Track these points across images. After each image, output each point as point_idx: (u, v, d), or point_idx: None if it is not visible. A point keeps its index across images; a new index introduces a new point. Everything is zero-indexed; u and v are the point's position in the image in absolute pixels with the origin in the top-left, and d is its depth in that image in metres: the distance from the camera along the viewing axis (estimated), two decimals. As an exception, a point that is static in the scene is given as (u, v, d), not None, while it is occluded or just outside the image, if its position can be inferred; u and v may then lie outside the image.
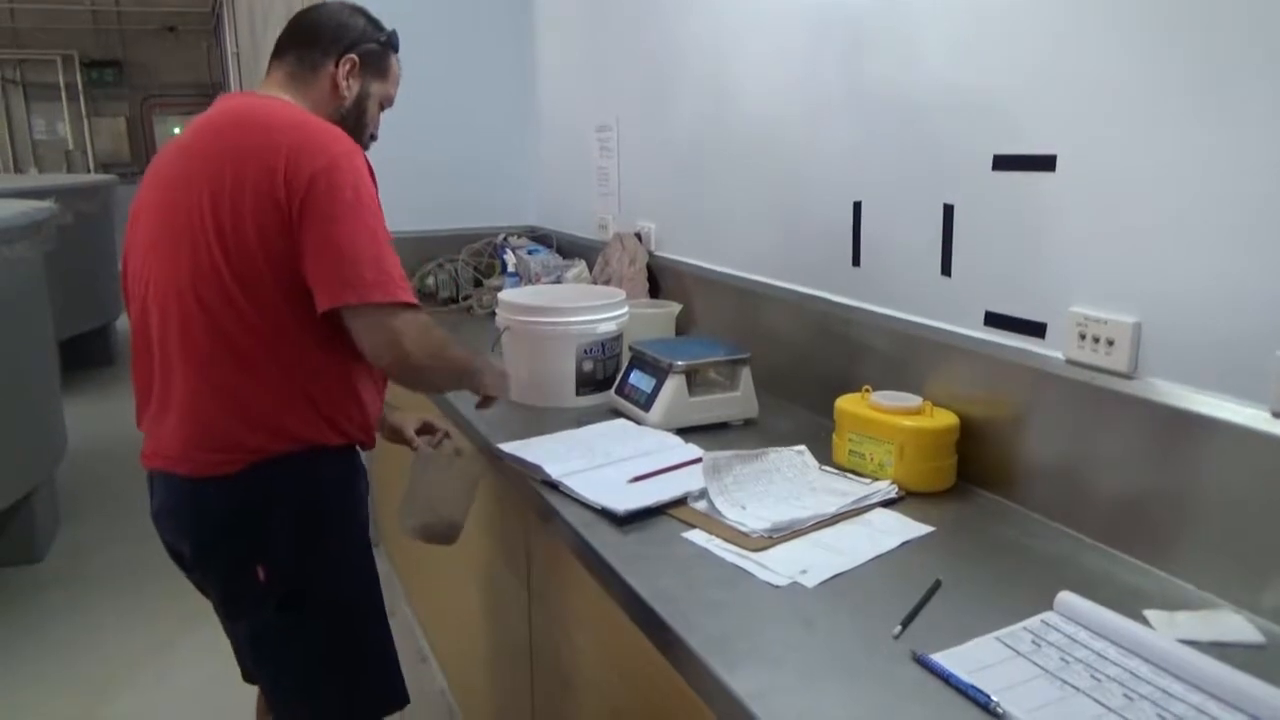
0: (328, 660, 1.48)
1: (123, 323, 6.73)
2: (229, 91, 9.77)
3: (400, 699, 1.59)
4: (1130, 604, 1.02)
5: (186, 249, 1.31)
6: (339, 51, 1.50)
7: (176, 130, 12.06)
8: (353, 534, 1.51)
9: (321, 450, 1.40)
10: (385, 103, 1.60)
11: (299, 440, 1.37)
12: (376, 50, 1.55)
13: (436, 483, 1.60)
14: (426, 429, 1.71)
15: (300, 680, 1.48)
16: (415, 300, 1.34)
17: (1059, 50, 1.23)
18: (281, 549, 1.39)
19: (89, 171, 11.34)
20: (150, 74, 12.04)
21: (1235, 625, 0.99)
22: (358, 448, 1.51)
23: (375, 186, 1.37)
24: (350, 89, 1.52)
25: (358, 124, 1.54)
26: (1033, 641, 0.95)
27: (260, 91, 1.50)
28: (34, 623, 2.98)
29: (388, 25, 1.61)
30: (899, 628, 0.98)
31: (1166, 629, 0.97)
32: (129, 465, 4.42)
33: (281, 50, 1.52)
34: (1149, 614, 1.01)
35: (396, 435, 1.72)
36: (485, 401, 1.59)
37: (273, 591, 1.40)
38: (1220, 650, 0.93)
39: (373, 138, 1.61)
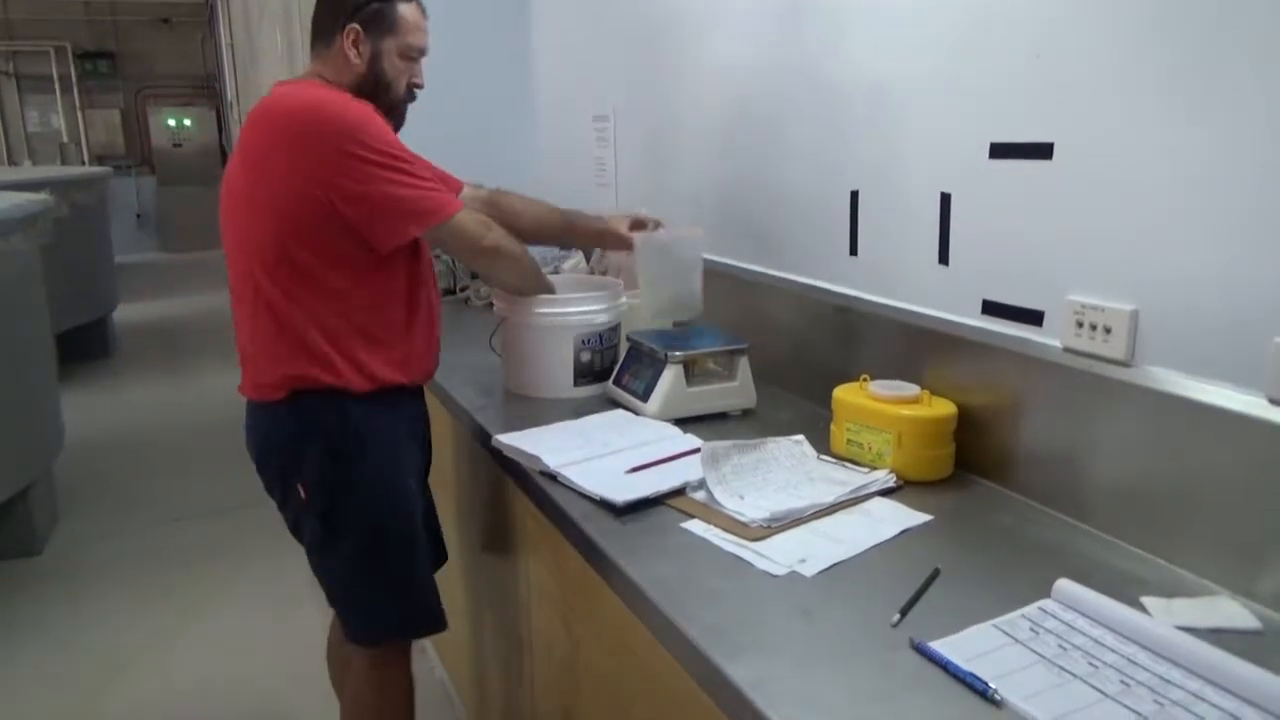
0: (359, 576, 1.65)
1: (119, 314, 6.76)
2: (225, 81, 9.75)
3: (434, 623, 1.73)
4: (1128, 591, 1.03)
5: (243, 224, 1.53)
6: (343, 23, 1.58)
7: (171, 122, 12.05)
8: (386, 465, 1.62)
9: (348, 391, 1.56)
10: (408, 52, 1.64)
11: (328, 381, 1.54)
12: (377, 8, 1.59)
13: (668, 261, 1.76)
14: (638, 224, 1.91)
15: (341, 590, 1.68)
16: (461, 203, 1.58)
17: (1056, 38, 1.23)
18: (314, 472, 1.57)
19: (83, 163, 11.30)
20: (144, 65, 11.98)
21: (1232, 611, 0.99)
22: (398, 389, 1.63)
23: (389, 125, 1.54)
24: (360, 55, 1.60)
25: (376, 85, 1.61)
26: (1030, 629, 0.95)
27: (299, 77, 1.65)
28: (32, 616, 2.98)
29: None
30: (897, 616, 0.99)
31: (1164, 616, 0.98)
32: (127, 458, 4.47)
33: (312, 35, 1.64)
34: (1146, 601, 1.01)
35: (614, 239, 1.92)
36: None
37: (313, 507, 1.59)
38: (1217, 637, 0.93)
39: (416, 87, 1.68)
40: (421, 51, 1.67)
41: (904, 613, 0.99)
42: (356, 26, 1.58)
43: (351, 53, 1.59)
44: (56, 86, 11.56)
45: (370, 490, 1.61)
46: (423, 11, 1.66)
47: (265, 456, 1.63)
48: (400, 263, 1.59)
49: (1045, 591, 1.02)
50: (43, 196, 3.87)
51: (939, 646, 0.92)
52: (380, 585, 1.66)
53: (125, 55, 11.87)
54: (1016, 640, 0.93)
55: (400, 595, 1.69)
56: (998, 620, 0.97)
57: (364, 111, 1.50)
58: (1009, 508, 1.29)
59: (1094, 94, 1.18)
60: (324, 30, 1.61)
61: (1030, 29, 1.26)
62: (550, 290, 1.80)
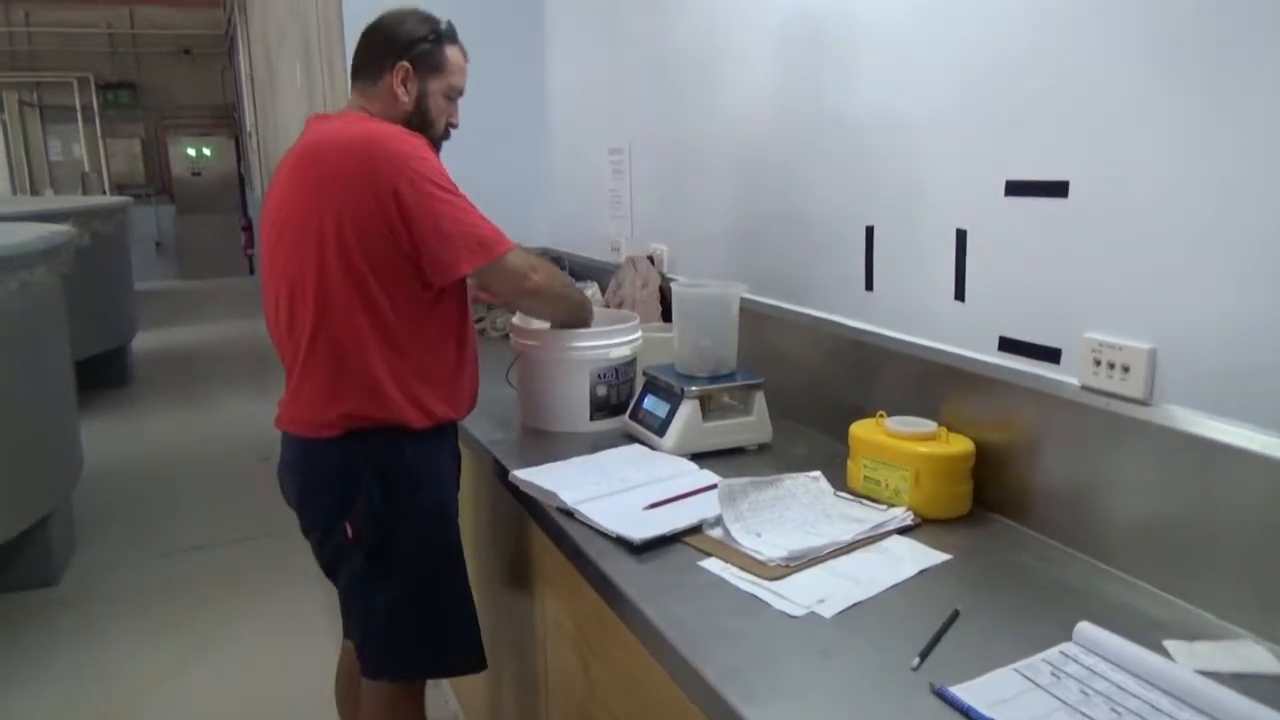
0: (405, 612, 1.62)
1: (137, 342, 6.82)
2: (244, 111, 9.86)
3: (476, 663, 1.71)
4: (1149, 634, 1.02)
5: (296, 259, 1.52)
6: (393, 61, 1.62)
7: (190, 151, 12.21)
8: (434, 504, 1.63)
9: (405, 427, 1.56)
10: (451, 93, 1.69)
11: (386, 418, 1.54)
12: (427, 50, 1.63)
13: (704, 314, 1.74)
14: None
15: (382, 627, 1.64)
16: (513, 242, 1.58)
17: (1070, 76, 1.24)
18: (366, 510, 1.56)
19: (104, 192, 11.46)
20: (165, 96, 12.17)
21: (1256, 655, 0.98)
22: (449, 424, 1.66)
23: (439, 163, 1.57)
24: (409, 93, 1.63)
25: (423, 122, 1.65)
26: (1052, 673, 0.95)
27: (341, 110, 1.68)
28: (49, 646, 2.99)
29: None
30: (917, 659, 0.98)
31: (1186, 660, 0.97)
32: (144, 486, 4.49)
33: (354, 69, 1.67)
34: (1168, 644, 1.00)
35: None
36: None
37: (359, 544, 1.58)
38: (1241, 682, 0.92)
39: (452, 126, 1.73)
40: (461, 92, 1.71)
41: (924, 656, 0.99)
42: (407, 65, 1.61)
43: (400, 90, 1.62)
44: (79, 117, 11.74)
45: (422, 526, 1.61)
46: (465, 55, 1.71)
47: (311, 493, 1.62)
48: (452, 299, 1.60)
49: (1066, 634, 1.01)
50: (65, 228, 3.92)
51: (960, 691, 0.91)
52: (427, 622, 1.64)
53: (146, 86, 12.06)
54: (1038, 685, 0.93)
55: (446, 632, 1.68)
56: (1019, 664, 0.96)
57: (421, 143, 1.53)
58: (1028, 547, 1.28)
59: (1110, 132, 1.19)
60: (370, 66, 1.63)
61: (1045, 67, 1.27)
62: (588, 322, 1.82)
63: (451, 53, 1.67)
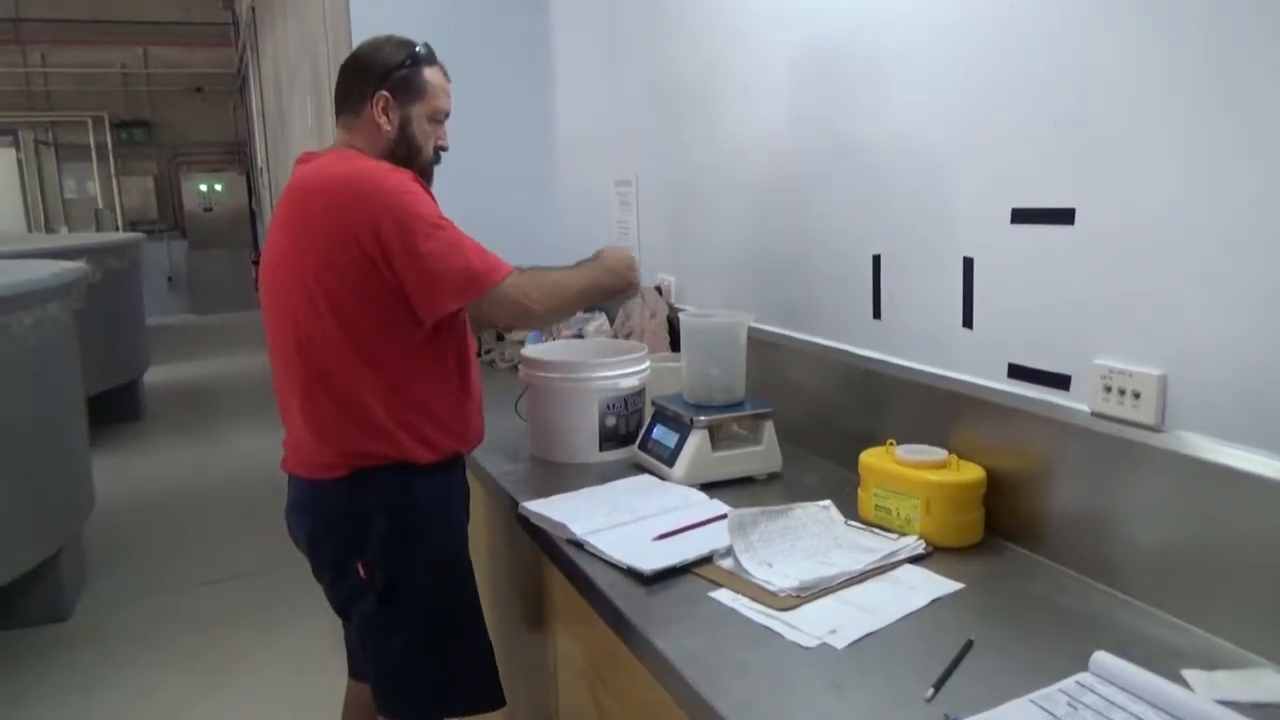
0: (423, 652, 1.60)
1: (150, 377, 6.85)
2: (255, 147, 9.97)
3: (494, 700, 1.68)
4: (1167, 663, 1.00)
5: (288, 304, 1.53)
6: (371, 90, 1.59)
7: (203, 188, 12.34)
8: (446, 539, 1.63)
9: (412, 464, 1.55)
10: (435, 115, 1.65)
11: (392, 455, 1.53)
12: (405, 75, 1.60)
13: (712, 344, 1.72)
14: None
15: (398, 668, 1.60)
16: (510, 266, 1.54)
17: (1075, 103, 1.24)
18: (378, 549, 1.54)
19: (118, 229, 11.56)
20: (178, 133, 12.32)
21: (1276, 684, 0.97)
22: (456, 458, 1.64)
23: (429, 193, 1.54)
24: (391, 122, 1.61)
25: (409, 150, 1.63)
26: (1069, 704, 0.93)
27: (329, 147, 1.65)
28: (60, 682, 2.98)
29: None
30: (931, 690, 0.97)
31: (1205, 690, 0.95)
32: (155, 520, 4.49)
33: (336, 104, 1.65)
34: (1187, 674, 0.99)
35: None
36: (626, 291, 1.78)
37: (372, 585, 1.55)
38: (1262, 712, 0.91)
39: (442, 149, 1.69)
40: (446, 114, 1.68)
41: (938, 687, 0.98)
42: (386, 94, 1.59)
43: (382, 119, 1.60)
44: (93, 155, 11.89)
45: (436, 563, 1.60)
46: (445, 75, 1.68)
47: (321, 536, 1.60)
48: (451, 330, 1.59)
49: (1082, 664, 1.00)
50: (78, 265, 3.95)
51: (975, 723, 0.90)
52: (444, 664, 1.62)
53: (160, 124, 12.21)
54: (1055, 716, 0.91)
55: (464, 672, 1.65)
56: (1034, 695, 0.95)
57: (404, 178, 1.51)
58: (1041, 575, 1.27)
59: (1115, 158, 1.19)
60: (351, 99, 1.61)
61: (1051, 96, 1.28)
62: (619, 289, 1.75)
63: (431, 75, 1.64)
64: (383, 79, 1.59)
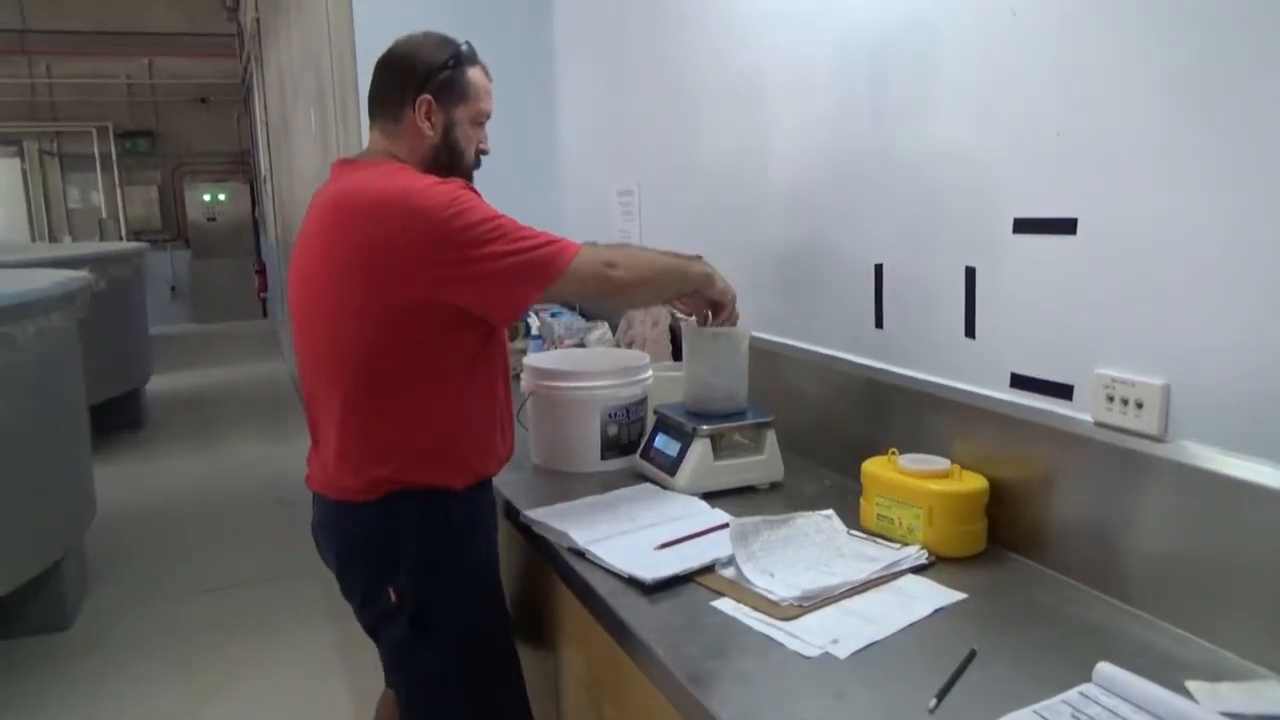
0: (453, 679, 1.55)
1: (153, 386, 6.86)
2: (259, 157, 9.99)
3: None
4: (1171, 674, 1.00)
5: (327, 323, 1.47)
6: (413, 95, 1.51)
7: (206, 198, 12.38)
8: (478, 564, 1.57)
9: (446, 487, 1.49)
10: (478, 118, 1.59)
11: (428, 481, 1.48)
12: (449, 77, 1.52)
13: (715, 355, 1.71)
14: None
15: (429, 695, 1.57)
16: (578, 243, 1.46)
17: (1077, 113, 1.24)
18: (409, 573, 1.49)
19: (121, 238, 11.60)
20: (182, 143, 12.37)
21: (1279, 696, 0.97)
22: (487, 480, 1.60)
23: (477, 194, 1.45)
24: (434, 127, 1.53)
25: (452, 155, 1.56)
26: (1072, 715, 0.93)
27: (364, 157, 1.56)
28: (63, 691, 2.97)
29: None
30: (934, 701, 0.97)
31: (1210, 701, 0.95)
32: (158, 529, 4.49)
33: (371, 107, 1.56)
34: (1191, 685, 0.98)
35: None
36: (710, 309, 1.67)
37: (404, 610, 1.50)
38: (1266, 723, 0.90)
39: (483, 153, 1.62)
40: (488, 116, 1.61)
41: (940, 697, 0.97)
42: (429, 97, 1.51)
43: (425, 125, 1.52)
44: (98, 165, 11.95)
45: (468, 587, 1.55)
46: (487, 75, 1.60)
47: (351, 558, 1.54)
48: (486, 352, 1.52)
49: (1085, 675, 0.99)
50: (82, 274, 3.96)
51: (978, 733, 0.90)
52: (475, 692, 1.57)
53: (164, 134, 12.27)
54: (1058, 727, 0.91)
55: (496, 701, 1.60)
56: (1038, 705, 0.95)
57: (455, 189, 1.41)
58: (1045, 585, 1.26)
59: (1118, 168, 1.19)
60: (390, 104, 1.53)
61: (1053, 106, 1.28)
62: (699, 281, 1.64)
63: (474, 75, 1.56)
64: (425, 81, 1.51)
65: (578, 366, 1.88)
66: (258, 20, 8.22)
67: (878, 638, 1.11)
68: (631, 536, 1.43)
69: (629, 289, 1.54)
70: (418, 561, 1.48)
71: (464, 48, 1.56)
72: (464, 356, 1.48)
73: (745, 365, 1.72)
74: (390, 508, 1.47)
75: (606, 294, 1.53)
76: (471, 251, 1.37)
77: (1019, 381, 1.38)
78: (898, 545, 1.37)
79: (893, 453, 1.45)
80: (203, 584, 3.77)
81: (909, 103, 1.56)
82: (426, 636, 1.51)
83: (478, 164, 1.63)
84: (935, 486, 1.36)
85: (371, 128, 1.57)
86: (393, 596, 1.50)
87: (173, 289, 12.48)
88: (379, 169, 1.49)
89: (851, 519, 1.46)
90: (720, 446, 1.67)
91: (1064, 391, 1.30)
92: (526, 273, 1.40)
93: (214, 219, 12.55)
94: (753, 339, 1.76)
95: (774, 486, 1.69)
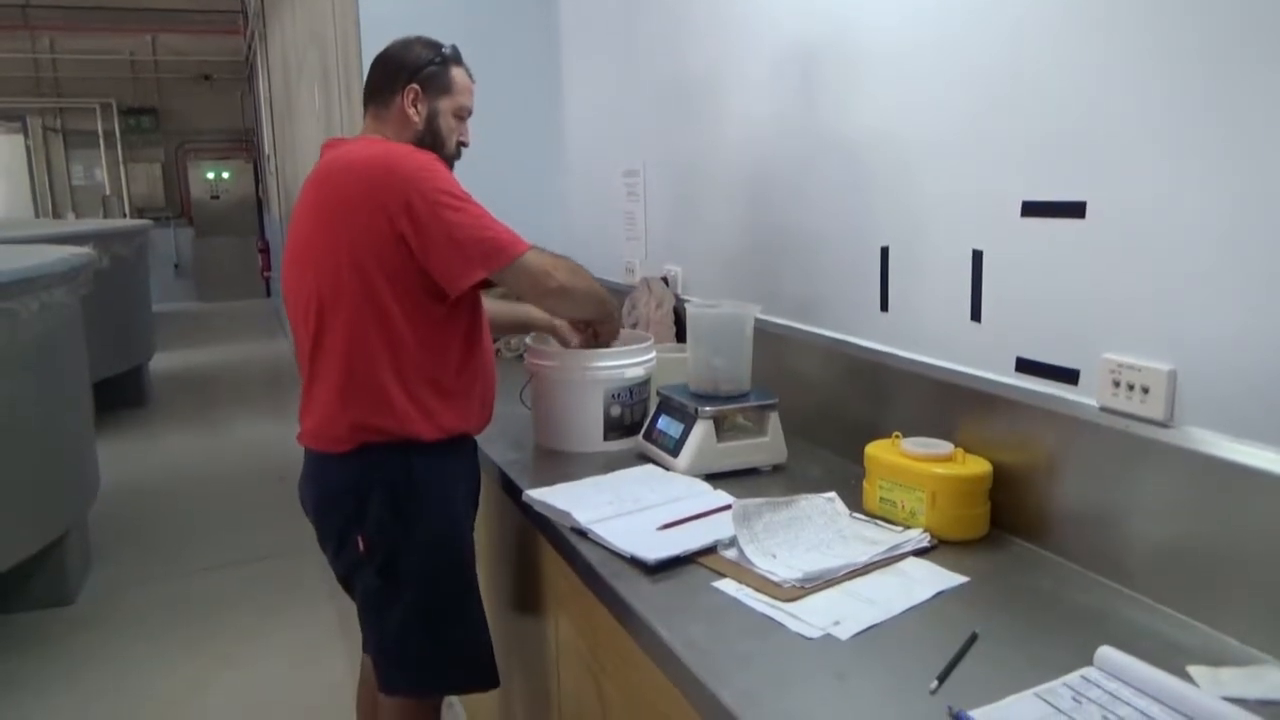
0: (416, 630, 1.64)
1: (156, 363, 6.87)
2: (263, 135, 9.98)
3: (489, 679, 1.73)
4: (1172, 659, 1.00)
5: (313, 278, 1.57)
6: (402, 84, 1.68)
7: (210, 175, 12.35)
8: (446, 517, 1.65)
9: (416, 440, 1.58)
10: (459, 113, 1.74)
11: (397, 430, 1.57)
12: (435, 71, 1.69)
13: (718, 335, 1.73)
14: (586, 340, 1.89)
15: (394, 643, 1.66)
16: (530, 243, 1.60)
17: (1087, 96, 1.23)
18: (377, 523, 1.59)
19: (125, 216, 11.58)
20: (185, 121, 12.32)
21: (1282, 682, 0.96)
22: (461, 439, 1.68)
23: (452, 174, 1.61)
24: (419, 114, 1.69)
25: (435, 141, 1.70)
26: (1073, 698, 0.93)
27: (357, 136, 1.73)
28: (65, 665, 2.99)
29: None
30: (935, 682, 0.97)
31: (1211, 686, 0.95)
32: (160, 506, 4.51)
33: (366, 96, 1.73)
34: (1192, 670, 0.98)
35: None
36: (593, 339, 1.85)
37: (372, 559, 1.61)
38: (1267, 709, 0.90)
39: (463, 145, 1.77)
40: (469, 112, 1.76)
41: (942, 679, 0.97)
42: (417, 87, 1.67)
43: (411, 111, 1.68)
44: (101, 141, 11.90)
45: (430, 541, 1.63)
46: (470, 76, 1.76)
47: (326, 507, 1.66)
48: (464, 312, 1.64)
49: (1087, 658, 0.99)
50: (85, 251, 3.96)
51: (979, 715, 0.90)
52: (437, 637, 1.65)
53: (167, 111, 12.22)
54: (1059, 710, 0.91)
55: (458, 648, 1.69)
56: (1039, 688, 0.95)
57: (431, 158, 1.58)
58: (1047, 569, 1.26)
59: (1127, 152, 1.18)
60: (382, 90, 1.69)
61: (1062, 89, 1.27)
62: (614, 316, 1.84)
63: (457, 74, 1.73)
64: (414, 73, 1.68)
65: (581, 347, 1.87)
66: (262, -3, 8.17)
67: (879, 620, 1.11)
68: (634, 517, 1.43)
69: (559, 296, 1.68)
70: (383, 513, 1.58)
71: (449, 49, 1.74)
72: (440, 311, 1.58)
73: (749, 347, 1.72)
74: (361, 459, 1.58)
75: (541, 294, 1.67)
76: (439, 210, 1.51)
77: (1024, 366, 1.37)
78: (900, 528, 1.37)
79: (896, 436, 1.45)
80: (205, 561, 3.79)
81: (915, 82, 1.55)
82: (391, 587, 1.62)
83: (458, 154, 1.77)
84: (938, 470, 1.36)
85: (365, 115, 1.74)
86: (361, 546, 1.60)
87: (176, 267, 12.47)
88: (364, 141, 1.66)
89: (854, 502, 1.46)
90: (723, 428, 1.67)
91: (1070, 376, 1.29)
92: (484, 250, 1.54)
93: (217, 197, 12.53)
94: (757, 321, 1.75)
95: (777, 469, 1.68)
